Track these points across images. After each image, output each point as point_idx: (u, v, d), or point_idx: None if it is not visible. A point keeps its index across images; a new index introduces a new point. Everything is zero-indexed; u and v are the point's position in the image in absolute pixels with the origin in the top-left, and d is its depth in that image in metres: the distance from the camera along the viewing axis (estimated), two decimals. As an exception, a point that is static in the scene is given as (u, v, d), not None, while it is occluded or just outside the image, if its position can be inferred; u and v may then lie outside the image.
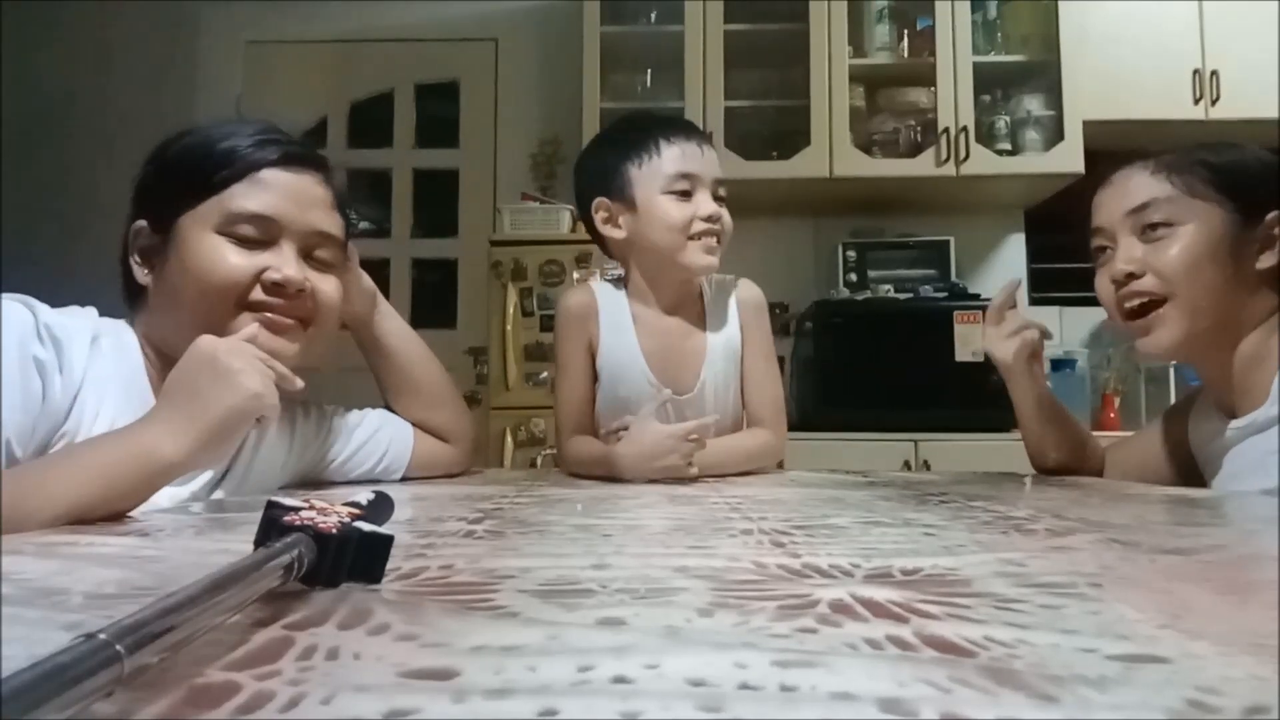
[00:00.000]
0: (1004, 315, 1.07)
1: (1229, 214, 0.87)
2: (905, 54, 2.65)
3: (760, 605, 0.30)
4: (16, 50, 3.05)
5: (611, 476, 0.97)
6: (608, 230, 1.11)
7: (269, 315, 0.77)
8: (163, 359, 0.77)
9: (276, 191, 0.78)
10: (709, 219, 1.06)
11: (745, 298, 1.17)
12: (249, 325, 0.73)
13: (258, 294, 0.77)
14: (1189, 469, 1.00)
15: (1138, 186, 0.92)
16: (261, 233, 0.77)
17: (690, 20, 2.58)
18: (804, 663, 0.23)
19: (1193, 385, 1.09)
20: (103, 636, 0.18)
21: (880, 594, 0.32)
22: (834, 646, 0.25)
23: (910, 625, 0.27)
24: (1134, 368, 2.62)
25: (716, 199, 1.08)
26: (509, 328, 2.41)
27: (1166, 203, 0.89)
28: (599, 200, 1.11)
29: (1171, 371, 2.43)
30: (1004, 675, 0.22)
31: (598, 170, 1.12)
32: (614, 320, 1.12)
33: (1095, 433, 1.18)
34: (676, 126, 1.11)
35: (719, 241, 1.08)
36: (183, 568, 0.40)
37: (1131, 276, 0.90)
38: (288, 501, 0.34)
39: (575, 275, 2.43)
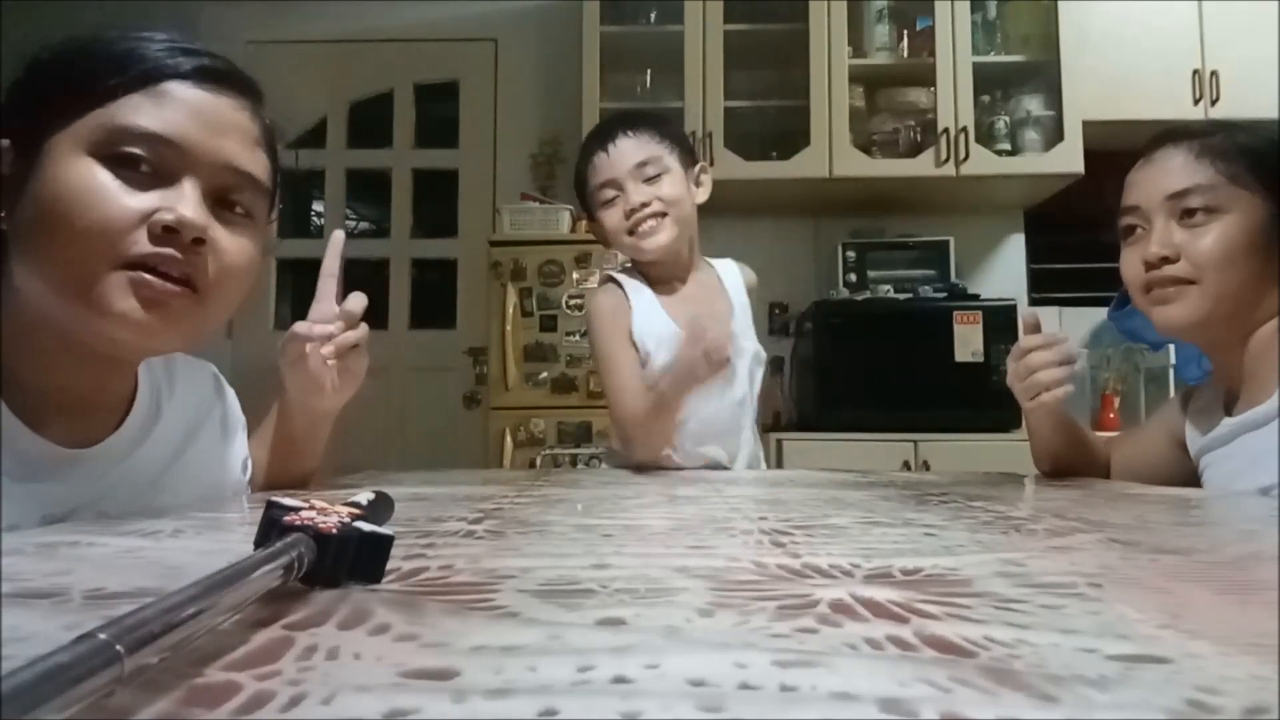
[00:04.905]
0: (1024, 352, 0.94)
1: (1267, 203, 0.86)
2: (905, 54, 2.65)
3: (760, 605, 0.30)
4: (17, 50, 3.04)
5: (670, 412, 1.05)
6: (606, 248, 1.28)
7: (146, 277, 0.57)
8: (29, 329, 0.59)
9: (182, 109, 0.59)
10: (633, 210, 1.12)
11: (747, 278, 1.27)
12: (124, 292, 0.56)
13: (142, 245, 0.57)
14: (1188, 462, 0.99)
15: (1180, 170, 0.89)
16: (157, 161, 0.58)
17: (690, 20, 2.58)
18: (804, 663, 0.23)
19: (1190, 385, 1.09)
20: (103, 636, 0.18)
21: (880, 594, 0.32)
22: (834, 646, 0.25)
23: (910, 625, 0.27)
24: (1134, 368, 2.62)
25: (650, 180, 1.13)
26: (509, 328, 2.41)
27: (1209, 189, 0.87)
28: (590, 225, 1.25)
29: (1171, 372, 2.43)
30: (1004, 675, 0.22)
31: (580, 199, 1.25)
32: (643, 303, 1.18)
33: (1095, 433, 1.18)
34: (594, 137, 1.17)
35: (663, 218, 1.13)
36: (183, 568, 0.40)
37: (1165, 260, 0.89)
38: (288, 501, 0.34)
39: (575, 275, 2.43)
